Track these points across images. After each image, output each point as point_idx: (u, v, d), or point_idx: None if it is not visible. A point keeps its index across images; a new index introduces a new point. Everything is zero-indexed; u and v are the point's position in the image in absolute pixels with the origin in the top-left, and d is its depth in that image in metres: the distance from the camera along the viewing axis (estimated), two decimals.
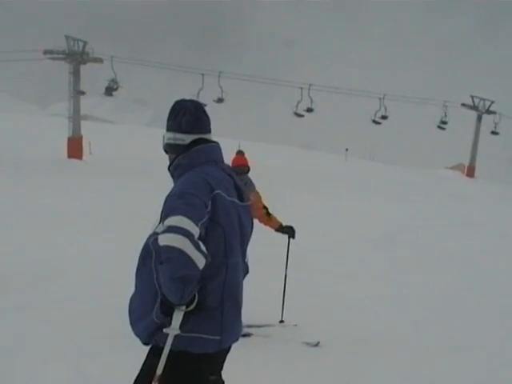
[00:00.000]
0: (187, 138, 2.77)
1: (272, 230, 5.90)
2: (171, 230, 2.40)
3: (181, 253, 2.35)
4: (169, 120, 2.82)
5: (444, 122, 45.74)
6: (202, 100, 32.58)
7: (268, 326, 6.02)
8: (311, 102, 40.44)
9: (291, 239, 6.12)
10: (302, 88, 39.98)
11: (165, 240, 2.41)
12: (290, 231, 5.99)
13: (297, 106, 41.10)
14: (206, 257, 2.43)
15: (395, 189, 27.93)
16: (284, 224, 5.98)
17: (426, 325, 6.57)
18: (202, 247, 2.43)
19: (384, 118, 43.15)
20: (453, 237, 13.36)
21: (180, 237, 2.37)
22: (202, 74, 37.98)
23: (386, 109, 42.55)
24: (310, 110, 40.94)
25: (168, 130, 2.81)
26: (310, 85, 40.31)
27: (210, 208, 2.54)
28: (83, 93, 36.19)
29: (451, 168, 59.13)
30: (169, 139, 2.81)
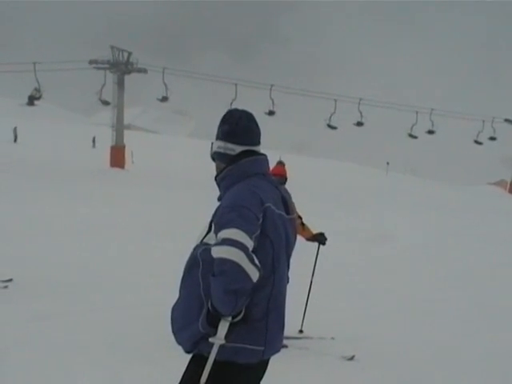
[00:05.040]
0: (237, 149, 2.75)
1: (303, 239, 5.86)
2: (226, 242, 2.41)
3: (236, 266, 2.36)
4: (220, 128, 2.80)
5: (493, 138, 45.10)
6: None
7: (306, 338, 5.99)
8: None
9: (321, 245, 6.07)
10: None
11: (220, 252, 2.41)
12: (320, 238, 5.95)
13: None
14: (259, 270, 2.44)
15: (437, 204, 27.53)
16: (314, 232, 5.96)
17: (465, 339, 6.41)
18: (256, 261, 2.44)
19: (431, 132, 42.47)
20: (499, 253, 13.07)
21: (235, 250, 2.38)
22: (235, 84, 36.36)
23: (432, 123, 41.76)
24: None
25: (218, 138, 2.80)
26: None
27: (261, 221, 2.55)
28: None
29: (493, 184, 58.25)
30: (219, 148, 2.79)
